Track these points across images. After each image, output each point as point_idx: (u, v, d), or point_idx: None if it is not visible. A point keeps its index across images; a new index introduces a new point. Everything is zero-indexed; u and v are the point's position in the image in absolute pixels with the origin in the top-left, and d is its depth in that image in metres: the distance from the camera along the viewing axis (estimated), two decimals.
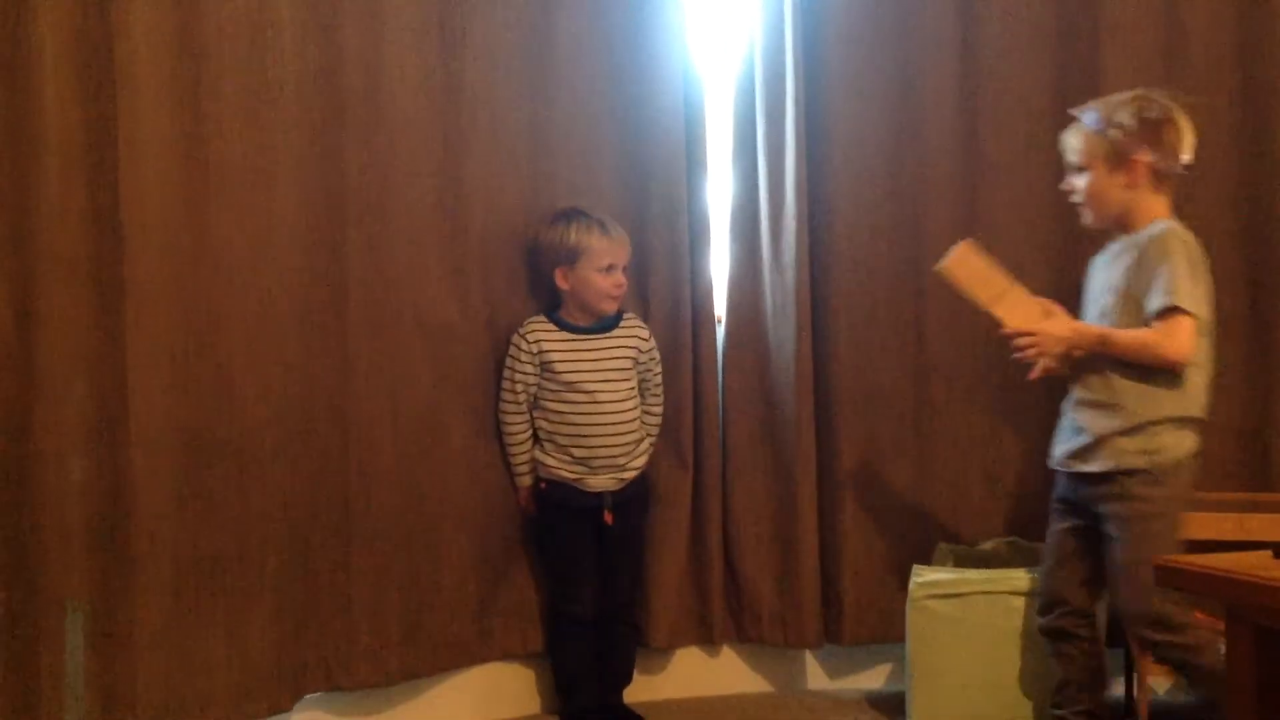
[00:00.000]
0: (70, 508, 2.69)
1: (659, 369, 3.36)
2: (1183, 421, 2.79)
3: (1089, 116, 2.84)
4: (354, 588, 3.09)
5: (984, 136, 3.41)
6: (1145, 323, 2.75)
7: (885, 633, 3.40)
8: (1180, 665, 2.85)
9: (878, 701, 3.48)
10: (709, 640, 3.51)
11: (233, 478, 2.88)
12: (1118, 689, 3.37)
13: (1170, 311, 2.70)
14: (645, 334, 3.33)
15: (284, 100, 2.95)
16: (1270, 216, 3.34)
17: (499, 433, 3.29)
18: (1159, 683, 3.33)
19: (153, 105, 2.76)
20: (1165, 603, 2.78)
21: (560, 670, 3.35)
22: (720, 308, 3.50)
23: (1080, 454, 2.87)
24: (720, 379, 3.49)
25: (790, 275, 3.40)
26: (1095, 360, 2.83)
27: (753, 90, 3.44)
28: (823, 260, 3.43)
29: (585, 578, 3.29)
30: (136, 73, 2.74)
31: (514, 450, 3.28)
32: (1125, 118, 2.79)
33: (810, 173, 3.41)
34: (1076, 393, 2.90)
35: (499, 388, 3.28)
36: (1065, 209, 3.34)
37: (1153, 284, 2.72)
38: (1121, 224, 2.87)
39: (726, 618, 3.50)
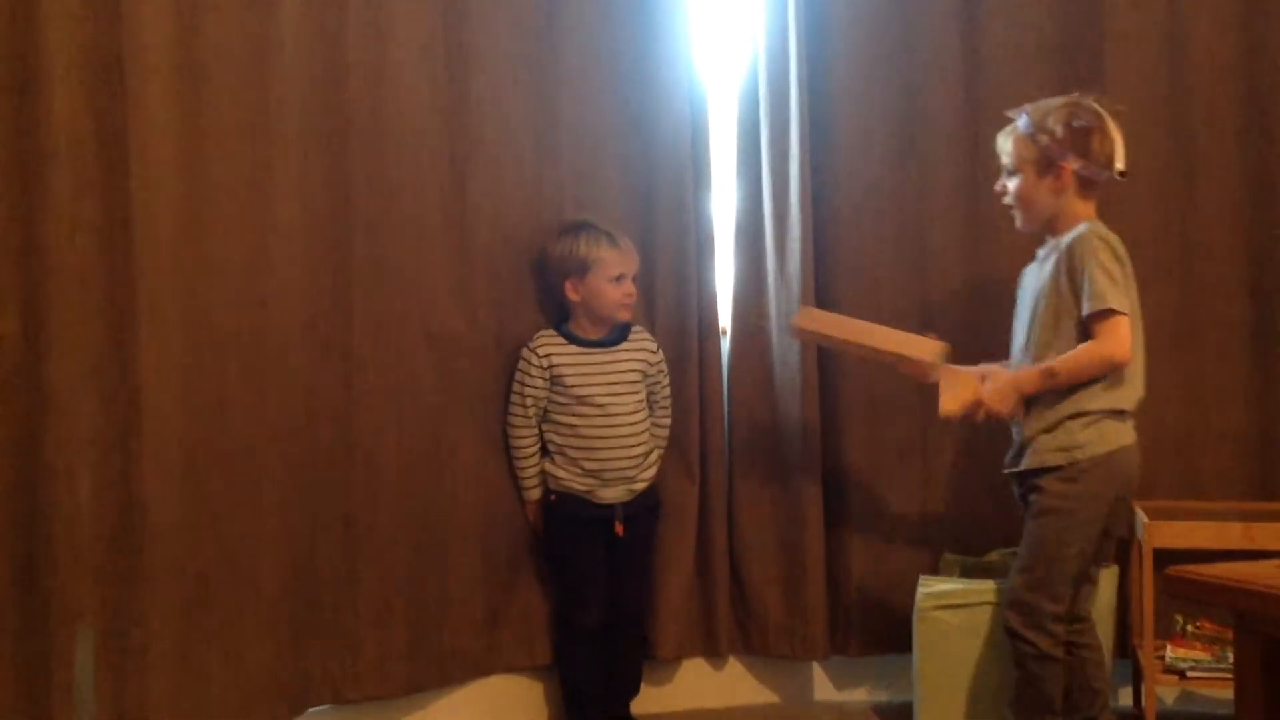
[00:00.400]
0: (81, 522, 2.69)
1: (667, 381, 3.37)
2: (1107, 415, 2.81)
3: (1022, 120, 2.88)
4: (360, 601, 3.09)
5: (987, 146, 3.40)
6: (1077, 324, 2.78)
7: (892, 644, 3.39)
8: (1024, 669, 2.86)
9: (885, 712, 3.48)
10: (715, 652, 3.51)
11: (230, 493, 2.88)
12: (1125, 698, 3.37)
13: (1104, 315, 2.73)
14: (653, 346, 3.34)
15: (286, 115, 2.95)
16: (1274, 224, 3.34)
17: (506, 446, 3.29)
18: (1166, 692, 3.33)
19: (159, 119, 2.77)
20: (1046, 600, 2.81)
21: (567, 681, 3.35)
22: (725, 318, 3.50)
23: (1015, 456, 2.93)
24: (726, 390, 3.49)
25: (795, 285, 3.41)
26: (1022, 365, 2.89)
27: (757, 101, 3.45)
28: (827, 270, 3.44)
29: (594, 588, 3.29)
30: (145, 86, 2.74)
31: (522, 464, 3.28)
32: (1055, 124, 2.83)
33: (814, 183, 3.41)
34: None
35: (507, 401, 3.28)
36: None
37: (1080, 289, 2.76)
38: (1050, 228, 2.91)
39: (733, 629, 3.50)
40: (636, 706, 3.40)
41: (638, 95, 3.39)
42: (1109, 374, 2.78)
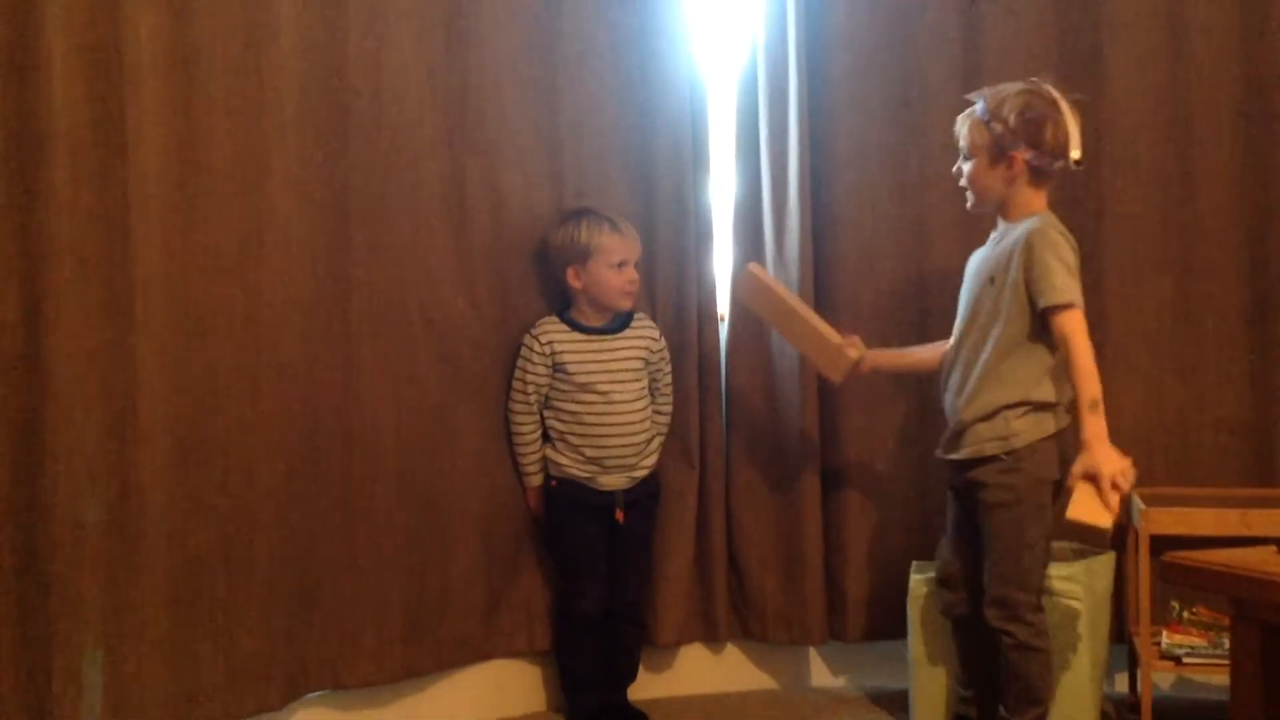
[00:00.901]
0: (80, 507, 2.69)
1: (669, 368, 3.37)
2: (1039, 406, 2.83)
3: (979, 105, 2.87)
4: (358, 586, 3.10)
5: None
6: (1023, 311, 2.79)
7: (889, 629, 3.40)
8: (1008, 661, 2.86)
9: (881, 698, 3.49)
10: (714, 638, 3.52)
11: (226, 479, 2.88)
12: (1121, 684, 3.39)
13: (1065, 308, 2.74)
14: (656, 334, 3.34)
15: (284, 103, 2.95)
16: (1272, 213, 3.34)
17: (508, 432, 3.30)
18: (1162, 678, 3.34)
19: (155, 106, 2.77)
20: (1019, 591, 2.83)
21: (566, 668, 3.36)
22: (723, 306, 3.51)
23: (949, 442, 2.95)
24: (724, 377, 3.49)
25: (793, 273, 3.41)
26: (962, 349, 2.91)
27: (755, 90, 3.44)
28: (825, 258, 3.44)
29: (595, 575, 3.30)
30: (142, 73, 2.74)
31: (523, 450, 3.29)
32: (1008, 113, 2.83)
33: (813, 171, 3.41)
34: (955, 379, 2.95)
35: (509, 388, 3.29)
36: (1066, 205, 3.36)
37: (1036, 280, 2.76)
38: (1001, 212, 2.92)
39: (731, 615, 3.51)
40: (635, 692, 3.41)
41: (638, 83, 3.39)
42: (1025, 358, 2.81)
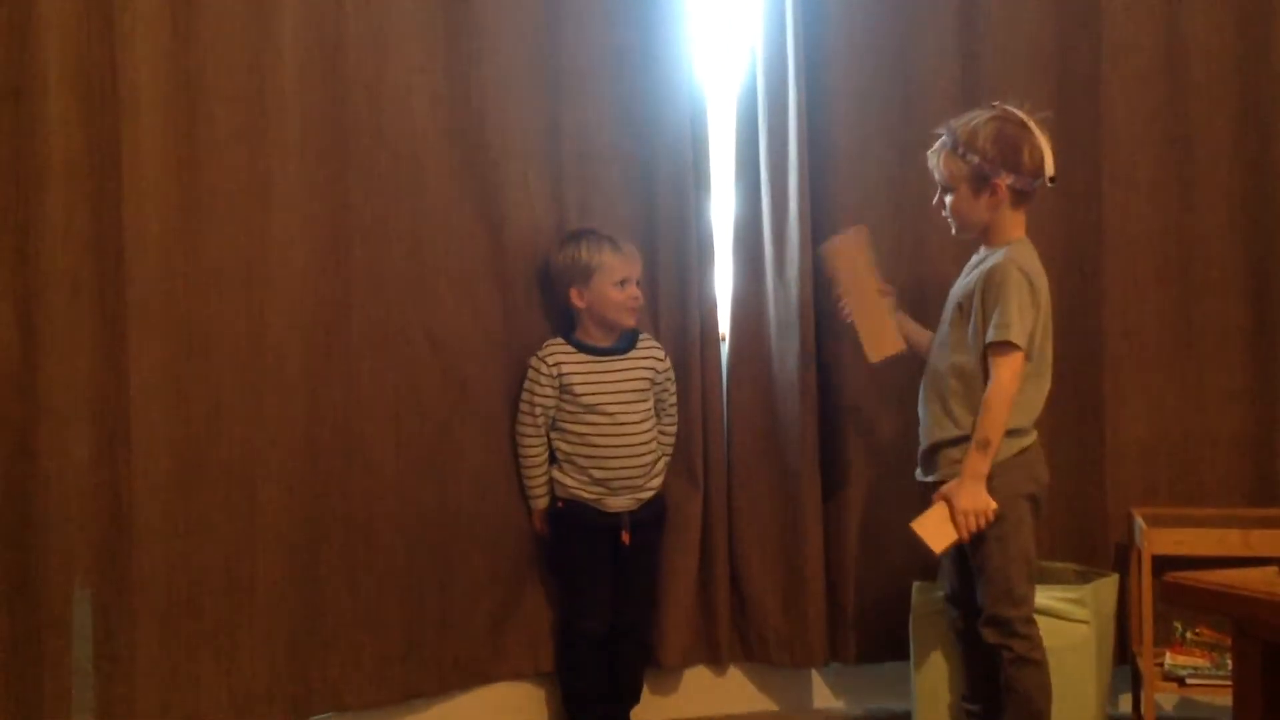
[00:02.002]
0: (73, 529, 2.70)
1: (674, 388, 3.37)
2: (1006, 431, 2.83)
3: (950, 139, 2.90)
4: (361, 608, 3.10)
5: None
6: (977, 339, 2.83)
7: (891, 650, 3.39)
8: (1006, 677, 2.86)
9: (884, 719, 3.48)
10: (717, 659, 3.51)
11: (225, 501, 2.89)
12: (1124, 705, 3.37)
13: (1003, 347, 2.78)
14: (661, 354, 3.35)
15: (285, 125, 2.96)
16: (1273, 229, 3.34)
17: (514, 453, 3.30)
18: (1165, 699, 3.33)
19: (153, 130, 2.79)
20: (1010, 608, 2.84)
21: (569, 688, 3.35)
22: (724, 324, 3.51)
23: (924, 463, 2.96)
24: (725, 395, 3.49)
25: (794, 290, 3.41)
26: (934, 371, 2.93)
27: (755, 108, 3.45)
28: (826, 276, 3.43)
29: (599, 595, 3.29)
30: (138, 98, 2.76)
31: (530, 472, 3.29)
32: (985, 143, 2.85)
33: (813, 188, 3.41)
34: (925, 396, 2.97)
35: (515, 408, 3.29)
36: (1067, 223, 3.38)
37: (988, 316, 2.80)
38: (985, 238, 2.95)
39: (733, 637, 3.50)
40: (638, 715, 3.40)
41: (638, 103, 3.39)
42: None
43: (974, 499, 2.79)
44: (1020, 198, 2.89)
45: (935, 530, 2.81)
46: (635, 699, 3.40)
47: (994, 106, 2.92)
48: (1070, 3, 3.38)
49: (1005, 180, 2.84)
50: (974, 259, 2.98)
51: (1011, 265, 2.82)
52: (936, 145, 2.94)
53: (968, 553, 2.90)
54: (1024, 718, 2.85)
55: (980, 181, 2.86)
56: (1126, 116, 3.37)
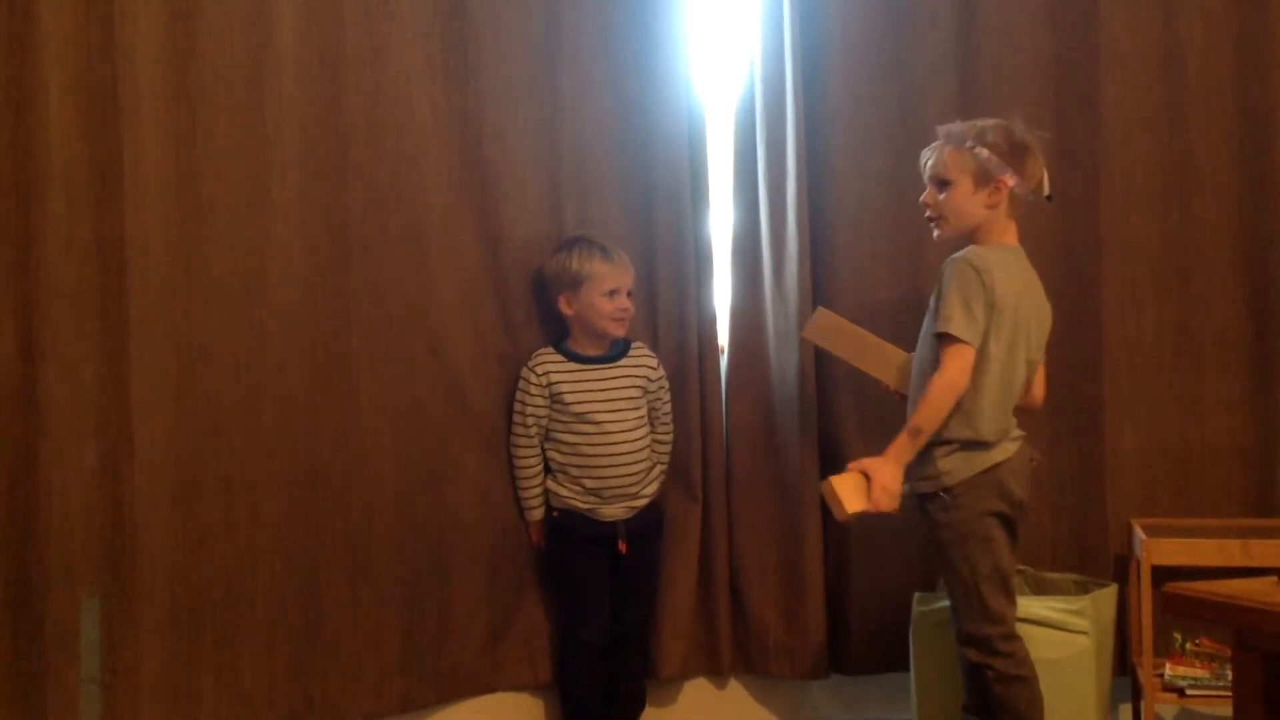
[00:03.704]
0: (75, 541, 2.70)
1: (668, 396, 3.37)
2: (966, 444, 2.82)
3: (957, 135, 2.89)
4: (360, 619, 3.10)
5: None
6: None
7: (891, 662, 3.39)
8: (995, 696, 2.84)
9: None
10: (717, 671, 3.50)
11: (225, 513, 2.89)
12: (1125, 716, 3.37)
13: (948, 340, 2.77)
14: (654, 363, 3.35)
15: (284, 137, 2.97)
16: (1271, 239, 3.35)
17: (510, 465, 3.30)
18: (1165, 710, 3.33)
19: (153, 141, 2.79)
20: (988, 625, 2.82)
21: (568, 699, 3.35)
22: (723, 336, 3.51)
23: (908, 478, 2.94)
24: (724, 408, 3.49)
25: (792, 301, 3.41)
26: (917, 375, 2.91)
27: (753, 120, 3.45)
28: (824, 287, 3.44)
29: (597, 605, 3.29)
30: (139, 109, 2.77)
31: (525, 484, 3.28)
32: (996, 139, 2.85)
33: (811, 200, 3.41)
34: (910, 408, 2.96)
35: (510, 420, 3.28)
36: (1065, 233, 3.37)
37: (938, 310, 2.80)
38: (973, 240, 2.91)
39: (733, 648, 3.49)
40: None
41: (636, 115, 3.40)
42: (958, 402, 2.79)
43: (891, 480, 2.75)
44: (1015, 204, 2.88)
45: (849, 494, 2.77)
46: (639, 710, 3.40)
47: (999, 118, 2.92)
48: (1068, 14, 3.39)
49: (1009, 181, 2.84)
50: None
51: (964, 260, 2.81)
52: (933, 144, 2.94)
53: (941, 571, 2.90)
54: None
55: (984, 176, 2.85)
56: (1124, 127, 3.37)
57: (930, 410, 2.76)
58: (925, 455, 2.83)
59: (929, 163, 2.94)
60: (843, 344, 3.19)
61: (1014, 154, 2.85)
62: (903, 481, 2.82)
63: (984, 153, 2.84)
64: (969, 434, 2.81)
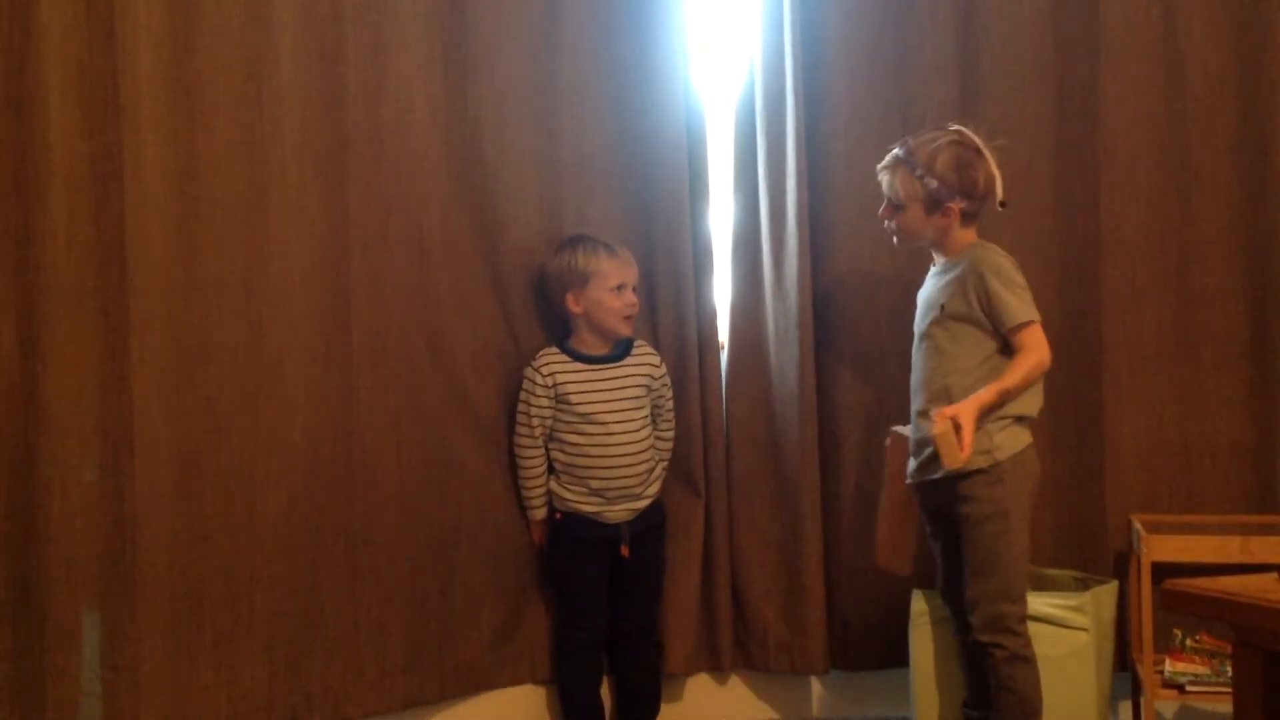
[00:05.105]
0: (76, 538, 2.70)
1: (670, 394, 3.37)
2: (1018, 420, 2.88)
3: (909, 160, 2.93)
4: (361, 616, 3.10)
5: None
6: (991, 336, 2.87)
7: (891, 658, 3.39)
8: (991, 671, 2.87)
9: None
10: (718, 667, 3.51)
11: (225, 510, 2.89)
12: (1124, 713, 3.37)
13: (1026, 326, 2.84)
14: (657, 361, 3.35)
15: (284, 134, 2.97)
16: (1272, 236, 3.34)
17: (513, 465, 3.30)
18: (1166, 706, 3.33)
19: (154, 140, 2.79)
20: (1008, 604, 2.86)
21: (568, 698, 3.35)
22: (723, 333, 3.51)
23: (927, 463, 2.94)
24: (724, 405, 3.49)
25: (792, 300, 3.41)
26: (930, 370, 2.95)
27: (753, 116, 3.45)
28: (824, 284, 3.44)
29: (596, 607, 3.30)
30: (139, 107, 2.76)
31: (529, 484, 3.28)
32: (944, 170, 2.90)
33: (811, 198, 3.41)
34: (916, 404, 2.99)
35: (514, 419, 3.29)
36: (1065, 232, 3.38)
37: (990, 306, 2.85)
38: (937, 248, 3.01)
39: (734, 644, 3.50)
40: None
41: (636, 112, 3.40)
42: (994, 373, 2.86)
43: (973, 418, 2.78)
44: (970, 218, 2.96)
45: (950, 448, 2.75)
46: (653, 712, 3.40)
47: (953, 130, 2.96)
48: (1068, 11, 3.39)
49: (958, 205, 2.91)
50: (935, 268, 3.03)
51: (996, 255, 2.91)
52: (889, 160, 2.98)
53: (964, 549, 2.90)
54: (1021, 715, 2.85)
55: (934, 204, 2.92)
56: (1124, 125, 3.37)
57: (1023, 379, 2.83)
58: (979, 430, 2.82)
59: (883, 181, 2.99)
60: (893, 480, 3.12)
61: (961, 179, 2.90)
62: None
63: (933, 183, 2.90)
64: (1023, 409, 2.88)
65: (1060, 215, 3.37)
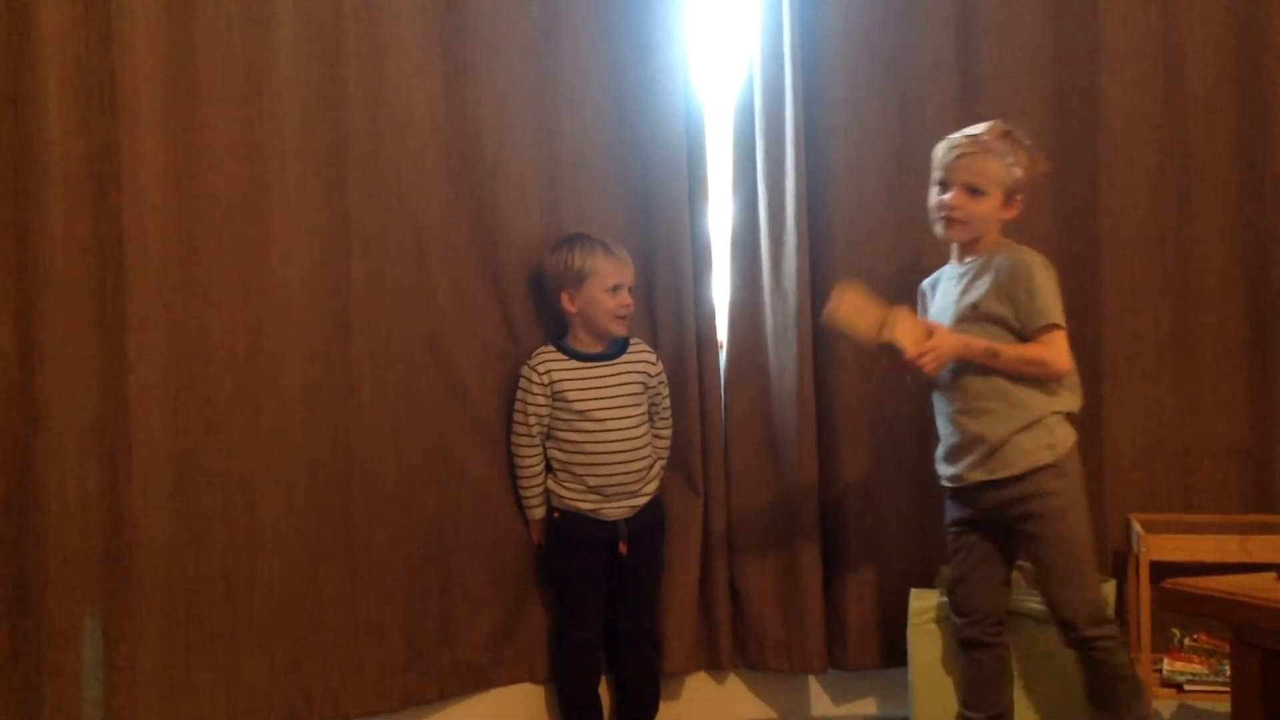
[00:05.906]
0: (73, 538, 2.70)
1: (667, 392, 3.37)
2: (1067, 414, 2.92)
3: (998, 148, 2.95)
4: (361, 615, 3.10)
5: None
6: (1016, 337, 2.90)
7: (889, 657, 3.40)
8: (1100, 664, 2.88)
9: None
10: (717, 666, 3.51)
11: (223, 509, 2.89)
12: None
13: (1049, 328, 2.86)
14: (653, 358, 3.35)
15: (283, 133, 2.97)
16: (1271, 236, 3.35)
17: (510, 463, 3.30)
18: (1164, 705, 3.33)
19: (152, 138, 2.79)
20: (1098, 594, 2.90)
21: (566, 697, 3.35)
22: (722, 332, 3.51)
23: (983, 463, 2.93)
24: (723, 403, 3.50)
25: (791, 299, 3.41)
26: (960, 375, 2.94)
27: (752, 117, 3.45)
28: (823, 284, 3.42)
29: (594, 606, 3.30)
30: (137, 106, 2.77)
31: (526, 483, 3.29)
32: (1029, 160, 2.96)
33: (810, 197, 3.41)
34: (955, 403, 2.97)
35: (511, 419, 3.29)
36: (1065, 232, 3.38)
37: (1020, 304, 2.88)
38: (971, 245, 3.01)
39: (733, 644, 3.50)
40: None
41: (635, 111, 3.40)
42: (1046, 379, 2.89)
43: (949, 350, 2.84)
44: None
45: (907, 330, 2.81)
46: (651, 711, 3.40)
47: (1005, 124, 2.99)
48: (1068, 12, 3.39)
49: (1021, 201, 2.96)
50: (960, 266, 3.02)
51: (1032, 256, 2.93)
52: (970, 145, 2.96)
53: (1041, 550, 2.89)
54: (1136, 698, 2.86)
55: (1012, 194, 2.95)
56: (1124, 125, 3.38)
57: (1018, 358, 2.87)
58: (1040, 423, 2.88)
59: (961, 165, 2.95)
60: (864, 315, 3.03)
61: (1030, 175, 2.96)
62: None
63: (1019, 173, 2.94)
64: (1073, 405, 2.92)
65: (1060, 216, 3.37)
